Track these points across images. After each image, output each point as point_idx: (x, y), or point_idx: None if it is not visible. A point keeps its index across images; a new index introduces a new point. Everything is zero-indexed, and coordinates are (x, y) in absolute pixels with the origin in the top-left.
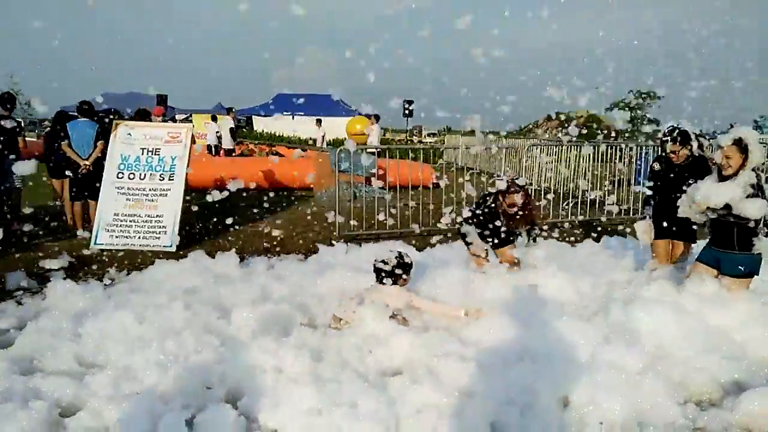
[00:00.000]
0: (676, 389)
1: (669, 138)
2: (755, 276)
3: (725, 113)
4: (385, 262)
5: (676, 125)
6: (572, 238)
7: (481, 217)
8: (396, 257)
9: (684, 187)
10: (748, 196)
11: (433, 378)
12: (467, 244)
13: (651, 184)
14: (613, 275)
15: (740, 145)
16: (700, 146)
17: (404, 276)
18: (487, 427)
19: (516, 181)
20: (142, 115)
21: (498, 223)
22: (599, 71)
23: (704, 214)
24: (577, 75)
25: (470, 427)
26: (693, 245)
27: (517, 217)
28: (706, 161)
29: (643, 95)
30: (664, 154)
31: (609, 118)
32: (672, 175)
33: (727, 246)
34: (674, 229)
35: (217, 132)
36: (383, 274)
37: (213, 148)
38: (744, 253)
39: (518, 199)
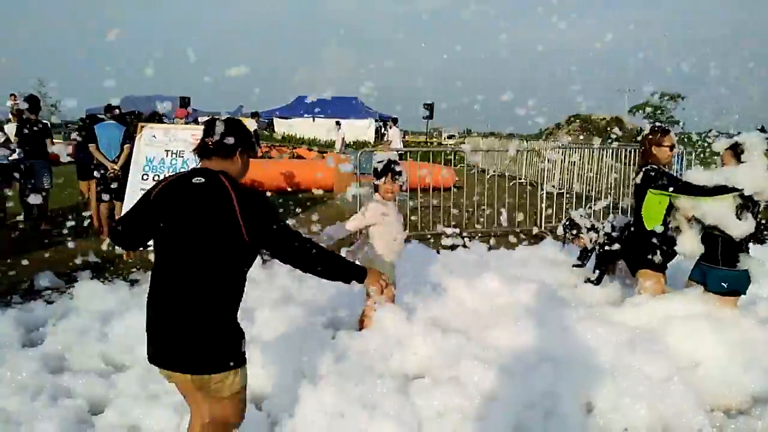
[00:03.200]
0: (702, 397)
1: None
2: (741, 295)
3: (750, 115)
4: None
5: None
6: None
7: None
8: (384, 159)
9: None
10: (737, 207)
11: (455, 381)
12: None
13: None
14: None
15: (736, 150)
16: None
17: (379, 179)
18: (510, 431)
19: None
20: (155, 119)
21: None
22: (623, 72)
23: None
24: (601, 76)
25: (493, 430)
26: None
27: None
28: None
29: (666, 97)
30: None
31: (632, 120)
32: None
33: (712, 260)
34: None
35: None
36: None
37: None
38: (727, 269)
39: (674, 137)
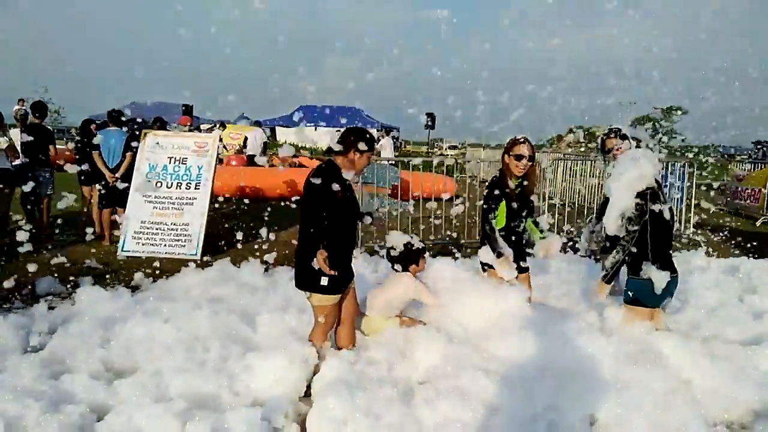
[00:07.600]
0: (705, 411)
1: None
2: (646, 307)
3: (749, 128)
4: (393, 248)
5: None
6: (593, 255)
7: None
8: (405, 244)
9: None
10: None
11: (458, 392)
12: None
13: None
14: None
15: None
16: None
17: (414, 263)
18: None
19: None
20: (160, 125)
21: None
22: (623, 84)
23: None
24: (601, 88)
25: None
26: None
27: (529, 170)
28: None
29: (668, 110)
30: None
31: (633, 133)
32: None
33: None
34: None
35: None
36: (394, 261)
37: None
38: (633, 278)
39: (526, 150)
